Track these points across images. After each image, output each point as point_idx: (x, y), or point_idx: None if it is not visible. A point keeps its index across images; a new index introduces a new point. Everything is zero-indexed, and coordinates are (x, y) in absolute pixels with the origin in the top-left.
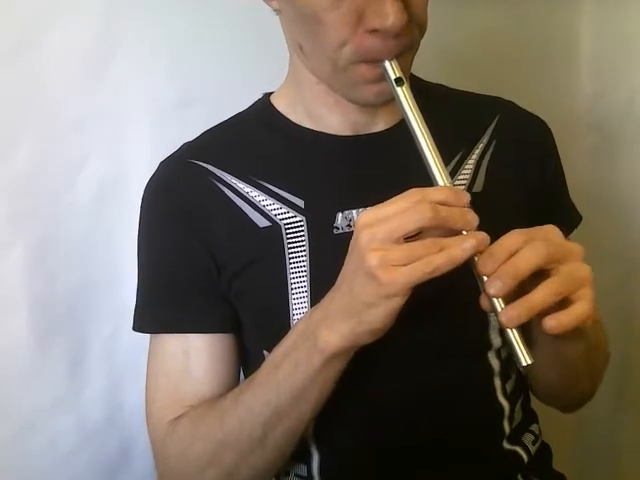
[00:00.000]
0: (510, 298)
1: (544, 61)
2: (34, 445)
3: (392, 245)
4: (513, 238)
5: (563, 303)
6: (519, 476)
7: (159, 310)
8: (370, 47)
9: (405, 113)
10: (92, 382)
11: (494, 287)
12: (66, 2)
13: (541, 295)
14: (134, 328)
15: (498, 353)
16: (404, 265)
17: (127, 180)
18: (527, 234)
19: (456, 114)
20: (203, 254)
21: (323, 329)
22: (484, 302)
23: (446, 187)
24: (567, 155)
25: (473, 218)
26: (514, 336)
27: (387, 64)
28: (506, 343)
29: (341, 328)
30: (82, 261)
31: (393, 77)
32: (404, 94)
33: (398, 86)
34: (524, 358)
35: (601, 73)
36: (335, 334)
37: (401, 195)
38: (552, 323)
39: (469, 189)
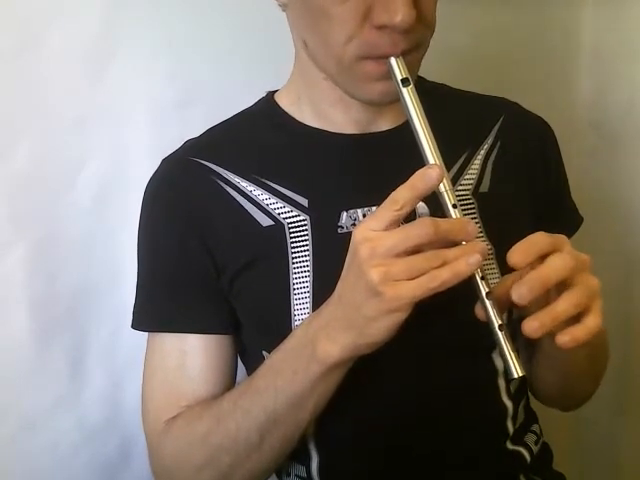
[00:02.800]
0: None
1: (544, 61)
2: (34, 445)
3: (393, 260)
4: (542, 239)
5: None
6: (521, 476)
7: (157, 308)
8: (376, 42)
9: (410, 115)
10: (92, 382)
11: (518, 293)
12: (66, 2)
13: (563, 306)
14: (132, 326)
15: None
16: (407, 279)
17: (127, 180)
18: (552, 239)
19: (460, 114)
20: (202, 254)
21: (323, 339)
22: (479, 311)
23: (455, 219)
24: (567, 155)
25: (473, 229)
26: (507, 347)
27: (393, 62)
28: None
29: (341, 340)
30: (82, 261)
31: (399, 77)
32: (410, 95)
33: (404, 86)
34: (516, 370)
35: (601, 73)
36: (335, 345)
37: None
38: (565, 339)
39: (476, 189)
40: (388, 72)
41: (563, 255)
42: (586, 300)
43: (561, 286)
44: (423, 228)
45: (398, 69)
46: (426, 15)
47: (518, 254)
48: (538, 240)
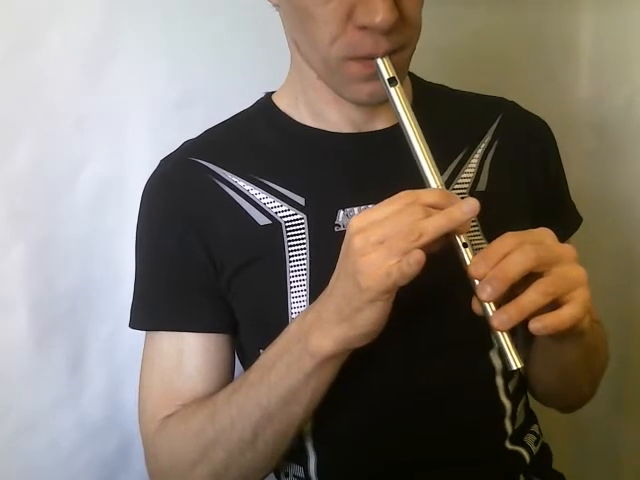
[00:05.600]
0: (502, 301)
1: (544, 61)
2: (34, 445)
3: (378, 246)
4: (505, 241)
5: (557, 305)
6: (521, 477)
7: (154, 307)
8: (359, 42)
9: (398, 114)
10: (92, 382)
11: (485, 292)
12: (66, 2)
13: (531, 297)
14: (130, 325)
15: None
16: (388, 264)
17: (127, 180)
18: (518, 237)
19: (458, 114)
20: (200, 252)
21: (315, 332)
22: (476, 306)
23: (437, 190)
24: (566, 156)
25: (454, 199)
26: (504, 339)
27: (380, 62)
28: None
29: (334, 332)
30: (82, 261)
31: (386, 77)
32: (397, 94)
33: (391, 86)
34: (514, 362)
35: (601, 73)
36: (327, 338)
37: (392, 198)
38: (536, 325)
39: (473, 188)
40: (375, 73)
41: (524, 248)
42: (558, 289)
43: (538, 278)
44: (415, 215)
45: (385, 69)
46: (409, 16)
47: (478, 265)
48: (498, 245)
